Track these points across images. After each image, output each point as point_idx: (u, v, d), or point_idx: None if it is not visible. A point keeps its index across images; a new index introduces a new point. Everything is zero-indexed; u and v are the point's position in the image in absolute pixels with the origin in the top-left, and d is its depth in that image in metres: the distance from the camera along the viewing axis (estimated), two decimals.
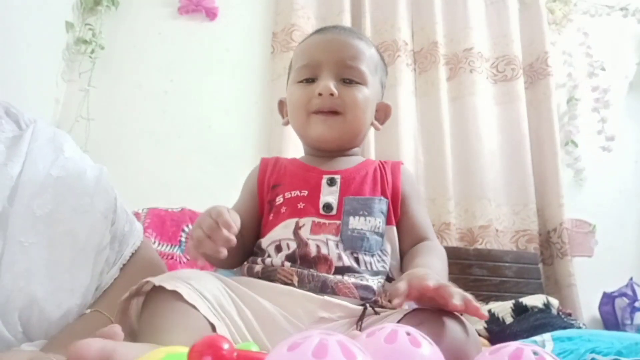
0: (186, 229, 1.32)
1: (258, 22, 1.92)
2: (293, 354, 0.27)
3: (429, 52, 1.94)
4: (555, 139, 1.91)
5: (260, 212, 0.78)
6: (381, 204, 0.74)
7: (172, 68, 1.79)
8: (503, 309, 1.34)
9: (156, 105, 1.75)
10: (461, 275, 1.60)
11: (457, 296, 0.50)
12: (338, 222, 0.71)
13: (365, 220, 0.71)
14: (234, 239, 0.58)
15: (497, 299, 1.50)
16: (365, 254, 0.69)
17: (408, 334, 0.33)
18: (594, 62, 2.12)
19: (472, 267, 1.63)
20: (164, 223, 1.32)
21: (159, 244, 1.26)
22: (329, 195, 0.73)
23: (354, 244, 0.69)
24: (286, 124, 0.87)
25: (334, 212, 0.72)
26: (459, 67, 1.94)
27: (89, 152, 1.61)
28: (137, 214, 1.32)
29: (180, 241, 1.31)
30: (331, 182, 0.75)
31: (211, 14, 1.86)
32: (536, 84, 2.01)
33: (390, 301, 0.55)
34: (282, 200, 0.75)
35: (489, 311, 1.34)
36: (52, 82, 1.61)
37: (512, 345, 0.33)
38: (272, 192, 0.77)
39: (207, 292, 0.58)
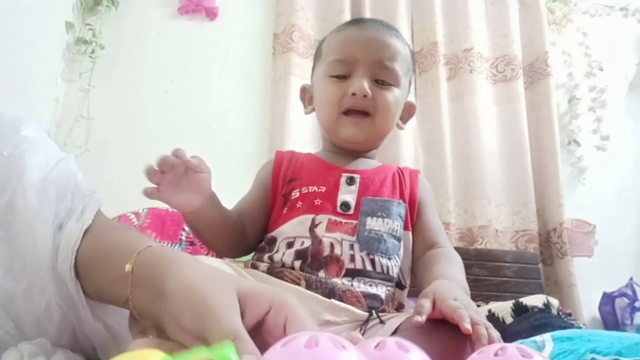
0: (186, 229, 1.31)
1: (258, 22, 1.92)
2: (286, 348, 0.29)
3: (429, 52, 1.93)
4: (555, 139, 1.91)
5: (271, 205, 0.77)
6: (400, 208, 0.73)
7: (172, 68, 1.79)
8: (503, 309, 1.34)
9: (156, 105, 1.75)
10: None
11: (484, 340, 0.48)
12: (355, 222, 0.70)
13: (383, 222, 0.70)
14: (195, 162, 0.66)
15: (497, 299, 1.50)
16: (382, 256, 0.68)
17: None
18: (592, 62, 2.11)
19: (472, 267, 1.63)
20: (164, 223, 1.32)
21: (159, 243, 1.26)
22: (347, 194, 0.72)
23: (371, 245, 0.68)
24: (310, 112, 0.85)
25: (351, 211, 0.71)
26: (459, 68, 1.94)
27: (89, 152, 1.62)
28: (137, 214, 1.32)
29: (180, 239, 1.31)
30: (350, 181, 0.74)
31: (211, 14, 1.86)
32: (536, 84, 2.01)
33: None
34: (298, 194, 0.73)
35: (489, 311, 1.34)
36: (52, 82, 1.61)
37: (497, 345, 0.34)
38: (288, 186, 0.76)
39: None
